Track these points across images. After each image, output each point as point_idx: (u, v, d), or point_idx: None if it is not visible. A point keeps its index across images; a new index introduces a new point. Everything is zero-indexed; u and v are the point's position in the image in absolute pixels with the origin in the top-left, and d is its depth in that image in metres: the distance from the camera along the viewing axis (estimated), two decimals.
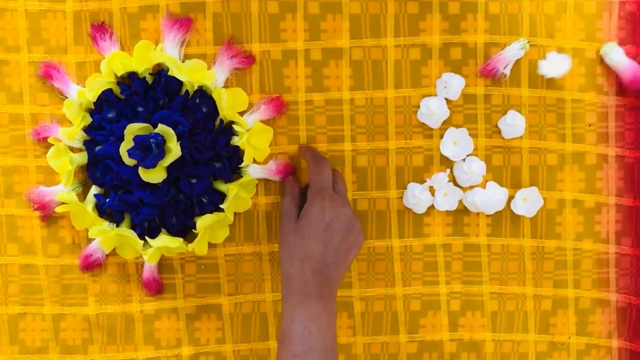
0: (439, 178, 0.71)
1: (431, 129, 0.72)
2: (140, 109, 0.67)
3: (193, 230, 0.69)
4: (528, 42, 0.68)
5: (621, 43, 0.71)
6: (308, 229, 0.64)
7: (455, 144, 0.71)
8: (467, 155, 0.72)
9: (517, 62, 0.71)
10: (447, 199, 0.72)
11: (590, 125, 0.69)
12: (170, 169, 0.66)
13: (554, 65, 0.69)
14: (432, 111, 0.70)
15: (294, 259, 0.64)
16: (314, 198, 0.65)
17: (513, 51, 0.68)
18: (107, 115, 0.68)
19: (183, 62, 0.69)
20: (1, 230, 0.71)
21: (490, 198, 0.71)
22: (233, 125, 0.69)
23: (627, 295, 0.73)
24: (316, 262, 0.63)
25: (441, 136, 0.72)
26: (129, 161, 0.65)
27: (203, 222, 0.68)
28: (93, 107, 0.68)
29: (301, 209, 0.66)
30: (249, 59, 0.70)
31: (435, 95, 0.71)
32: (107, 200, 0.68)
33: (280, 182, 0.70)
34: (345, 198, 0.68)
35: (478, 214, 0.73)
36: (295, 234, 0.65)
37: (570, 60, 0.70)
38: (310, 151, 0.70)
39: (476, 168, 0.71)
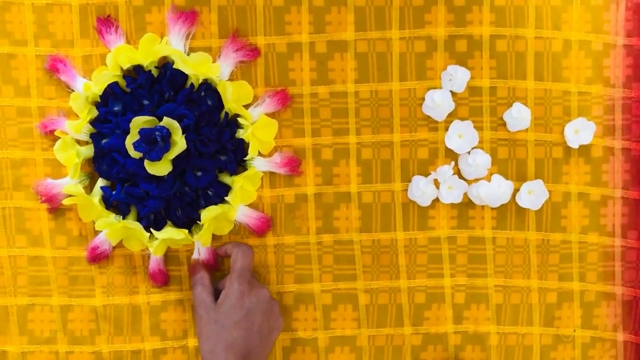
0: (444, 171, 0.71)
1: (436, 122, 0.72)
2: (145, 102, 0.68)
3: (198, 222, 0.70)
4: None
5: (628, 35, 0.71)
6: (229, 316, 0.65)
7: (461, 136, 0.71)
8: (472, 148, 0.72)
9: (523, 55, 0.71)
10: (452, 192, 0.72)
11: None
12: (175, 161, 0.67)
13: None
14: (437, 104, 0.70)
15: (217, 349, 0.64)
16: (234, 283, 0.66)
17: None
18: (113, 108, 0.68)
19: (188, 55, 0.69)
20: (10, 222, 0.72)
21: (495, 191, 0.71)
22: (238, 118, 0.69)
23: (632, 288, 0.73)
24: (240, 349, 0.63)
25: (446, 129, 0.72)
26: (134, 154, 0.66)
27: (208, 214, 0.69)
28: (99, 100, 0.69)
29: (213, 297, 0.67)
30: (254, 51, 0.70)
31: (441, 87, 0.71)
32: (114, 192, 0.69)
33: (189, 273, 0.71)
34: (261, 282, 0.69)
35: (483, 206, 0.73)
36: (216, 323, 0.65)
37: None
38: (230, 243, 0.71)
39: (481, 161, 0.71)
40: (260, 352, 0.65)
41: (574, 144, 0.70)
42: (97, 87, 0.68)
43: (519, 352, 0.74)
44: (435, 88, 0.71)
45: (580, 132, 0.70)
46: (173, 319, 0.73)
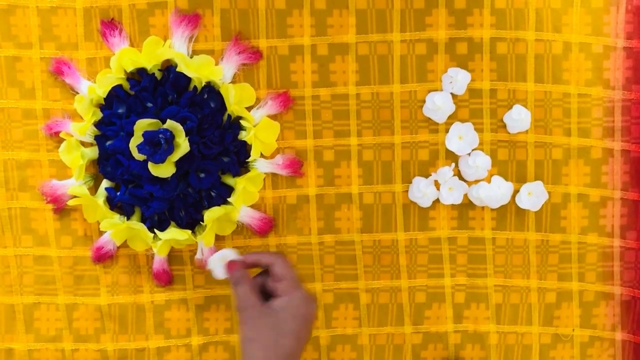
0: (444, 172, 0.72)
1: (437, 124, 0.72)
2: (149, 104, 0.69)
3: (201, 223, 0.70)
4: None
5: (628, 37, 0.71)
6: (288, 324, 0.61)
7: (461, 138, 0.72)
8: (473, 150, 0.72)
9: (523, 57, 0.71)
10: (452, 193, 0.72)
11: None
12: (179, 163, 0.68)
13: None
14: (438, 106, 0.71)
15: (261, 344, 0.60)
16: (296, 291, 0.62)
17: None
18: (117, 110, 0.69)
19: (191, 58, 0.70)
20: (16, 222, 0.73)
21: (495, 192, 0.72)
22: (240, 121, 0.70)
23: (631, 288, 0.74)
24: (285, 356, 0.60)
25: (447, 131, 0.72)
26: (138, 156, 0.67)
27: (211, 215, 0.69)
28: (103, 103, 0.70)
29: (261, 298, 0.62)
30: (256, 54, 0.71)
31: (441, 90, 0.72)
32: (118, 193, 0.70)
33: (228, 275, 0.65)
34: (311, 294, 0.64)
35: (483, 207, 0.73)
36: (273, 330, 0.60)
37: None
38: (263, 253, 0.67)
39: (481, 162, 0.72)
40: (299, 355, 0.62)
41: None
42: (101, 89, 0.69)
43: (519, 351, 0.75)
44: (436, 90, 0.72)
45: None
46: (177, 317, 0.74)
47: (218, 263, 0.65)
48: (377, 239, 0.73)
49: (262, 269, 0.65)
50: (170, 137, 0.66)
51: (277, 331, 0.61)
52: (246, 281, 0.63)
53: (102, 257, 0.72)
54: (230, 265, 0.64)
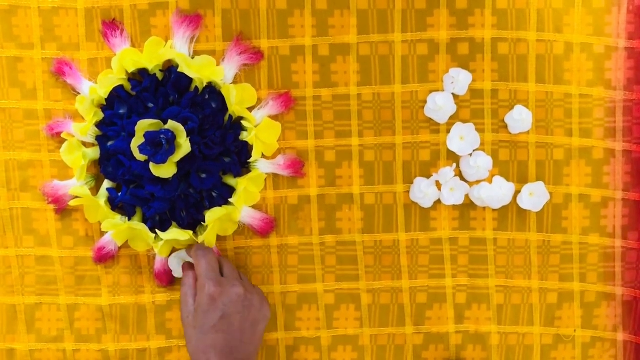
0: (446, 173, 0.72)
1: (438, 124, 0.72)
2: (150, 105, 0.69)
3: (203, 223, 0.71)
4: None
5: (630, 37, 0.71)
6: (205, 322, 0.64)
7: (462, 138, 0.72)
8: (474, 150, 0.72)
9: (524, 57, 0.71)
10: (453, 194, 0.72)
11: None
12: (180, 164, 0.68)
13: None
14: (439, 106, 0.71)
15: (199, 351, 0.64)
16: (202, 290, 0.65)
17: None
18: (118, 111, 0.69)
19: (192, 58, 0.70)
20: (17, 223, 0.73)
21: (496, 193, 0.72)
22: (242, 121, 0.70)
23: (632, 289, 0.74)
24: (221, 350, 0.63)
25: (448, 131, 0.72)
26: (140, 157, 0.67)
27: (212, 215, 0.70)
28: (105, 103, 0.70)
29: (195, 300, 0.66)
30: (258, 55, 0.71)
31: (443, 90, 0.72)
32: (120, 194, 0.70)
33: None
34: (234, 278, 0.67)
35: (484, 208, 0.73)
36: (195, 328, 0.65)
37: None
38: (192, 247, 0.70)
39: (483, 163, 0.72)
40: (247, 348, 0.65)
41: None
42: (102, 90, 0.69)
43: (520, 351, 0.75)
44: (438, 91, 0.72)
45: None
46: (178, 318, 0.74)
47: (176, 263, 0.71)
48: (378, 240, 0.73)
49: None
50: (171, 137, 0.66)
51: (198, 329, 0.64)
52: (188, 283, 0.68)
53: (104, 258, 0.72)
54: (183, 267, 0.70)
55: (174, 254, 0.72)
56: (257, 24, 0.71)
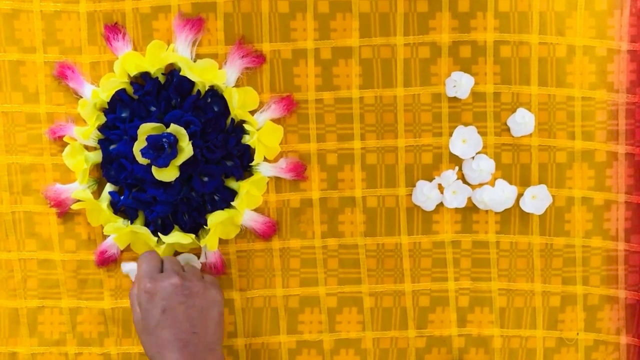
0: (448, 176, 0.72)
1: (440, 127, 0.72)
2: (153, 108, 0.69)
3: (205, 226, 0.70)
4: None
5: (632, 40, 0.71)
6: (149, 321, 0.63)
7: (465, 142, 0.72)
8: (476, 153, 0.72)
9: (527, 60, 0.71)
10: (456, 197, 0.72)
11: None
12: (182, 167, 0.68)
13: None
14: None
15: (153, 354, 0.63)
16: (133, 290, 0.65)
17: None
18: (120, 114, 0.69)
19: (195, 62, 0.70)
20: (20, 226, 0.73)
21: (499, 196, 0.72)
22: (244, 124, 0.70)
23: (635, 292, 0.74)
24: (172, 346, 0.62)
25: (450, 134, 0.72)
26: (142, 160, 0.67)
27: (214, 219, 0.70)
28: (107, 107, 0.70)
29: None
30: (260, 58, 0.71)
31: (445, 93, 0.72)
32: (122, 198, 0.70)
33: None
34: (172, 271, 0.65)
35: (487, 211, 0.73)
36: (144, 332, 0.64)
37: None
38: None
39: (485, 166, 0.72)
40: (202, 338, 0.63)
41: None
42: (104, 93, 0.69)
43: (523, 354, 0.74)
44: (439, 93, 0.72)
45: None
46: None
47: (130, 270, 0.72)
48: (380, 243, 0.73)
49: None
50: (173, 141, 0.66)
51: (146, 332, 0.64)
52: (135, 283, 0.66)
53: (106, 261, 0.72)
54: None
55: (123, 263, 0.72)
56: (259, 27, 0.71)
